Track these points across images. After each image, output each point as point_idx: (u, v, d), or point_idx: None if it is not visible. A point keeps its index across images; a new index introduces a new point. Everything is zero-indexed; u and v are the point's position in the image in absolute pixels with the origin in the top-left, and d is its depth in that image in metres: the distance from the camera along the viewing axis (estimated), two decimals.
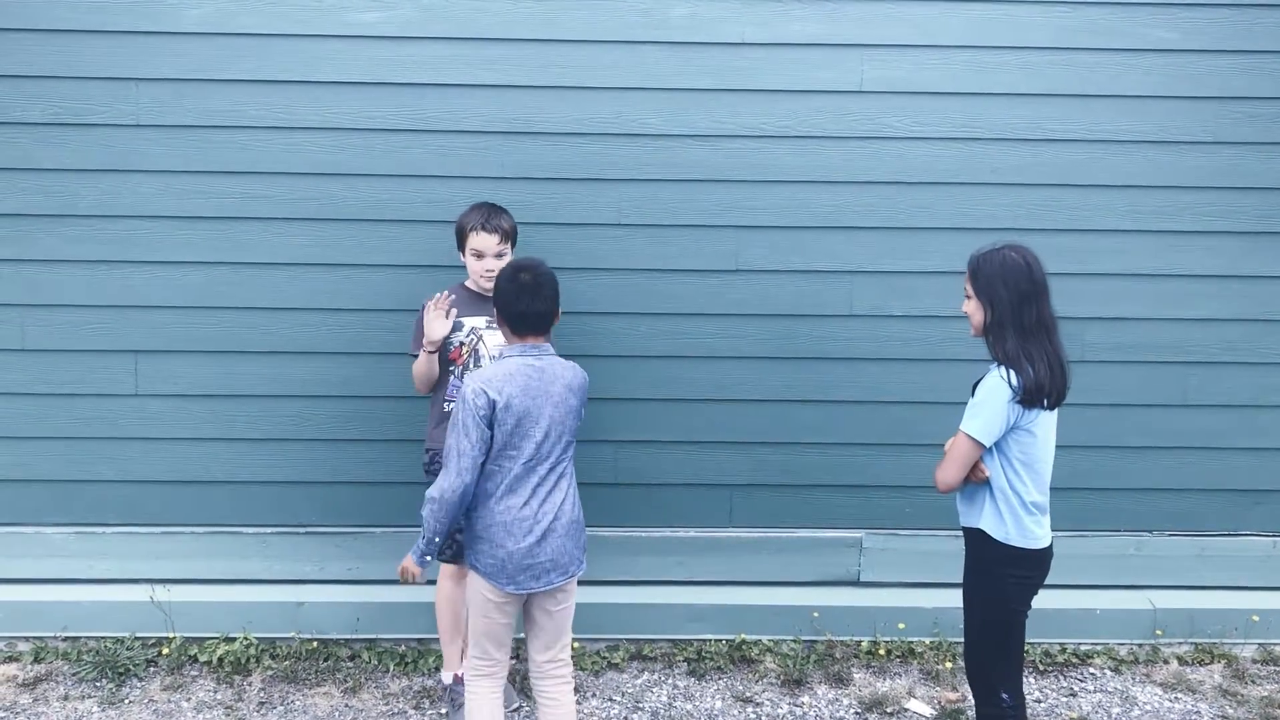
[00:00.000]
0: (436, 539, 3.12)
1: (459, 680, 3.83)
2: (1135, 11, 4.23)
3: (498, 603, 3.17)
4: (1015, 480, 3.08)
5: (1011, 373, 2.99)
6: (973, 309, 3.10)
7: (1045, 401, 3.01)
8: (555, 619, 3.25)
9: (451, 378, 3.82)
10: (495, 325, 3.47)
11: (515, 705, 3.97)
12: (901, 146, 4.26)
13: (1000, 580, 3.14)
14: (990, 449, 3.07)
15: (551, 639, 3.27)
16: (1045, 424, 3.08)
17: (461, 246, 3.84)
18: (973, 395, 3.09)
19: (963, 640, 3.32)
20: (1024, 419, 3.03)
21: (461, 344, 3.82)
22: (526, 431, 3.08)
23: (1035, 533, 3.11)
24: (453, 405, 3.40)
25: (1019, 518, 3.09)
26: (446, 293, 3.79)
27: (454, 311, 3.77)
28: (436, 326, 3.72)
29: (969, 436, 3.03)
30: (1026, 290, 3.01)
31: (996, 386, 3.00)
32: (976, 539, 3.16)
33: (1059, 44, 4.23)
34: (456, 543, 3.75)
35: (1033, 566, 3.15)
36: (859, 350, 4.35)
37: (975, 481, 3.12)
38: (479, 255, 3.77)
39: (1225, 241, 4.35)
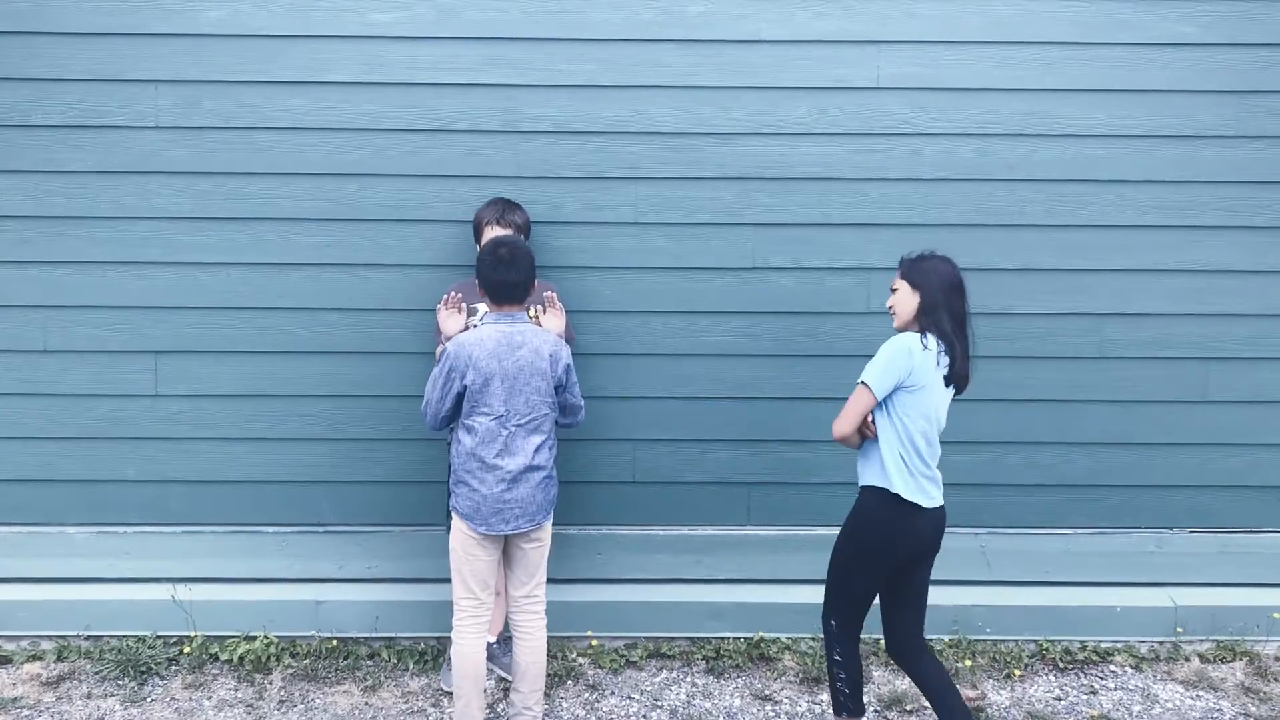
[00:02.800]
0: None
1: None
2: (1154, 6, 4.21)
3: (477, 540, 3.50)
4: (907, 439, 3.28)
5: (927, 335, 3.27)
6: (903, 298, 3.34)
7: (950, 368, 3.28)
8: (530, 556, 3.58)
9: None
10: None
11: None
12: (918, 143, 4.25)
13: (885, 529, 3.33)
14: (886, 409, 3.29)
15: (526, 575, 3.60)
16: (939, 396, 3.30)
17: (478, 239, 3.97)
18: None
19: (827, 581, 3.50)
20: (916, 377, 3.24)
21: (475, 327, 3.86)
22: (494, 390, 3.41)
23: (930, 491, 3.33)
24: None
25: (914, 473, 3.29)
26: (454, 292, 3.87)
27: (464, 307, 3.88)
28: (451, 324, 3.85)
29: (864, 384, 3.28)
30: (954, 283, 3.31)
31: (900, 340, 3.27)
32: (869, 494, 3.37)
33: (1077, 39, 4.21)
34: None
35: (923, 523, 3.34)
36: (876, 348, 4.32)
37: (867, 437, 3.37)
38: None
39: (1246, 236, 4.32)
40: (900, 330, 3.36)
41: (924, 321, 3.30)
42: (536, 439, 3.47)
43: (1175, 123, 4.26)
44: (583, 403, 3.63)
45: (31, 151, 4.17)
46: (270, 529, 4.40)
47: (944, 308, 3.28)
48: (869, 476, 3.37)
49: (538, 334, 3.49)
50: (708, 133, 4.23)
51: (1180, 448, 4.43)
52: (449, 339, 3.80)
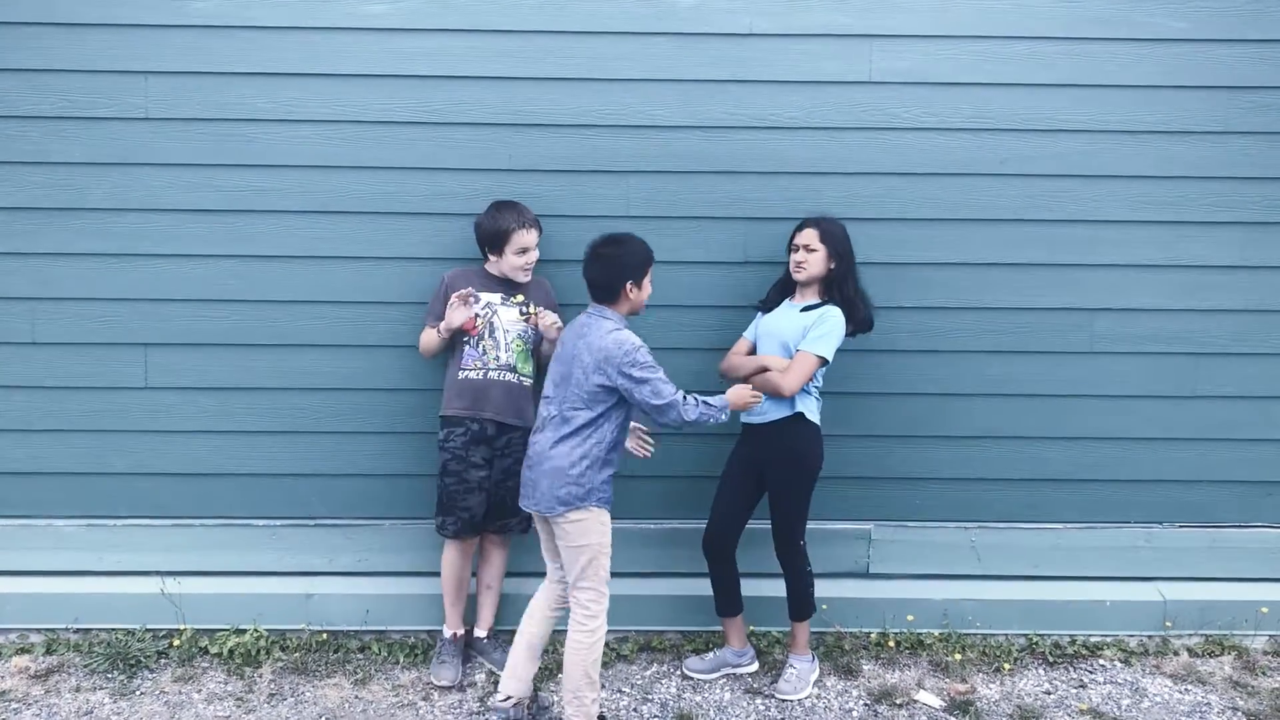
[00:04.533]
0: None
1: (455, 639, 4.15)
2: (1145, 2, 4.21)
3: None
4: (820, 384, 4.00)
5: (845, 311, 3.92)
6: (818, 260, 3.91)
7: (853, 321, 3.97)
8: (561, 549, 3.63)
9: (467, 348, 4.01)
10: (509, 303, 3.98)
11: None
12: (910, 137, 4.25)
13: (817, 453, 3.96)
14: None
15: (565, 567, 3.65)
16: None
17: (500, 247, 3.97)
18: (810, 323, 3.89)
19: (776, 524, 4.01)
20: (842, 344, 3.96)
21: (477, 316, 3.99)
22: (550, 374, 3.65)
23: None
24: (466, 374, 3.96)
25: (820, 403, 4.01)
26: (470, 289, 3.96)
27: (474, 304, 3.97)
28: (457, 316, 3.92)
29: (820, 356, 3.84)
30: (851, 249, 3.97)
31: (840, 319, 3.88)
32: (795, 424, 3.93)
33: (1069, 34, 4.21)
34: (460, 519, 3.99)
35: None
36: (868, 342, 4.31)
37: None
38: (523, 251, 3.98)
39: (1235, 232, 4.33)
40: (805, 283, 3.97)
41: (831, 287, 3.95)
42: (562, 430, 3.54)
43: (1165, 118, 4.27)
44: (661, 401, 3.48)
45: (20, 142, 4.15)
46: (260, 522, 4.39)
47: (851, 274, 3.96)
48: (797, 409, 3.92)
49: (599, 330, 3.53)
50: (700, 126, 4.23)
51: (1169, 442, 4.44)
52: (447, 329, 3.94)
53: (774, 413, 3.94)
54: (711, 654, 4.21)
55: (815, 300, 3.97)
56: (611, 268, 3.56)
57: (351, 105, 4.17)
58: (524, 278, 4.02)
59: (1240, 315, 4.38)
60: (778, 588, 4.12)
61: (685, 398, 3.55)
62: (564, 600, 3.73)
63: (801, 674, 4.05)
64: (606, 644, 4.32)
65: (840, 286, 3.95)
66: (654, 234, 4.23)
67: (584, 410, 3.52)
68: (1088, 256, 4.32)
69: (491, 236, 3.97)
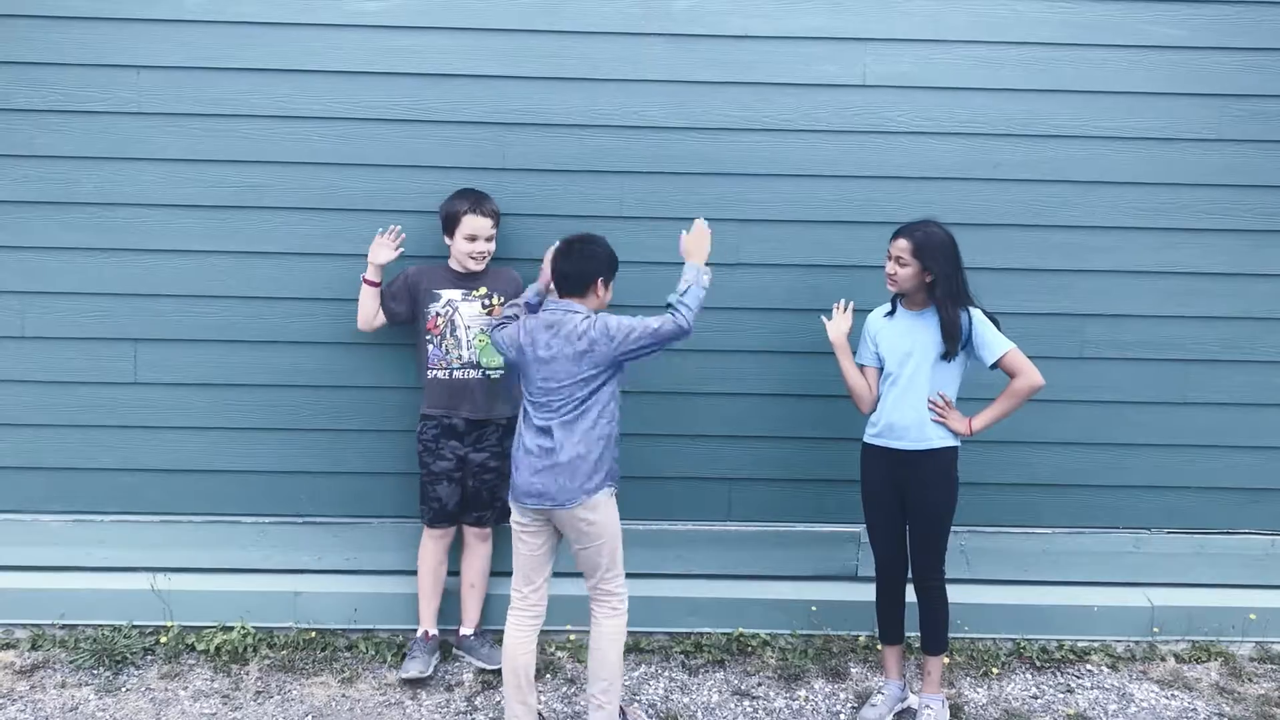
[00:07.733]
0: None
1: (426, 638, 4.13)
2: (1140, 8, 4.22)
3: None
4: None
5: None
6: (909, 275, 3.65)
7: None
8: (579, 553, 3.61)
9: (430, 347, 4.04)
10: (471, 298, 4.00)
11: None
12: (904, 141, 4.25)
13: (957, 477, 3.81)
14: (960, 374, 3.81)
15: (586, 566, 3.63)
16: None
17: (451, 230, 4.00)
18: (981, 331, 3.70)
19: (916, 553, 3.82)
20: None
21: (438, 314, 4.01)
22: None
23: None
24: (434, 374, 4.03)
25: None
26: (397, 227, 4.09)
27: (402, 237, 4.07)
28: (382, 252, 4.03)
29: (1011, 345, 3.71)
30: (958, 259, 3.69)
31: (981, 316, 3.72)
32: (948, 454, 3.75)
33: (1063, 40, 4.22)
34: (431, 509, 4.08)
35: None
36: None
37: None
38: (472, 238, 3.97)
39: (1227, 239, 4.34)
40: (902, 294, 3.75)
41: (933, 294, 3.68)
42: (564, 421, 3.54)
43: (1159, 125, 4.27)
44: (667, 329, 3.50)
45: (10, 136, 4.12)
46: (248, 519, 4.37)
47: (953, 287, 3.65)
48: (951, 436, 3.76)
49: (570, 321, 3.54)
50: (694, 127, 4.22)
51: (1158, 449, 4.45)
52: (374, 266, 4.03)
53: (937, 441, 3.75)
54: (879, 698, 3.94)
55: (931, 309, 3.71)
56: (588, 262, 3.54)
57: (344, 102, 4.16)
58: (474, 266, 4.00)
59: (1230, 322, 4.39)
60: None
61: (672, 313, 3.51)
62: (540, 613, 3.68)
63: (938, 716, 3.82)
64: None
65: (943, 295, 3.64)
66: (647, 234, 4.26)
67: (582, 393, 3.48)
68: (1079, 262, 4.32)
69: (445, 219, 4.01)
